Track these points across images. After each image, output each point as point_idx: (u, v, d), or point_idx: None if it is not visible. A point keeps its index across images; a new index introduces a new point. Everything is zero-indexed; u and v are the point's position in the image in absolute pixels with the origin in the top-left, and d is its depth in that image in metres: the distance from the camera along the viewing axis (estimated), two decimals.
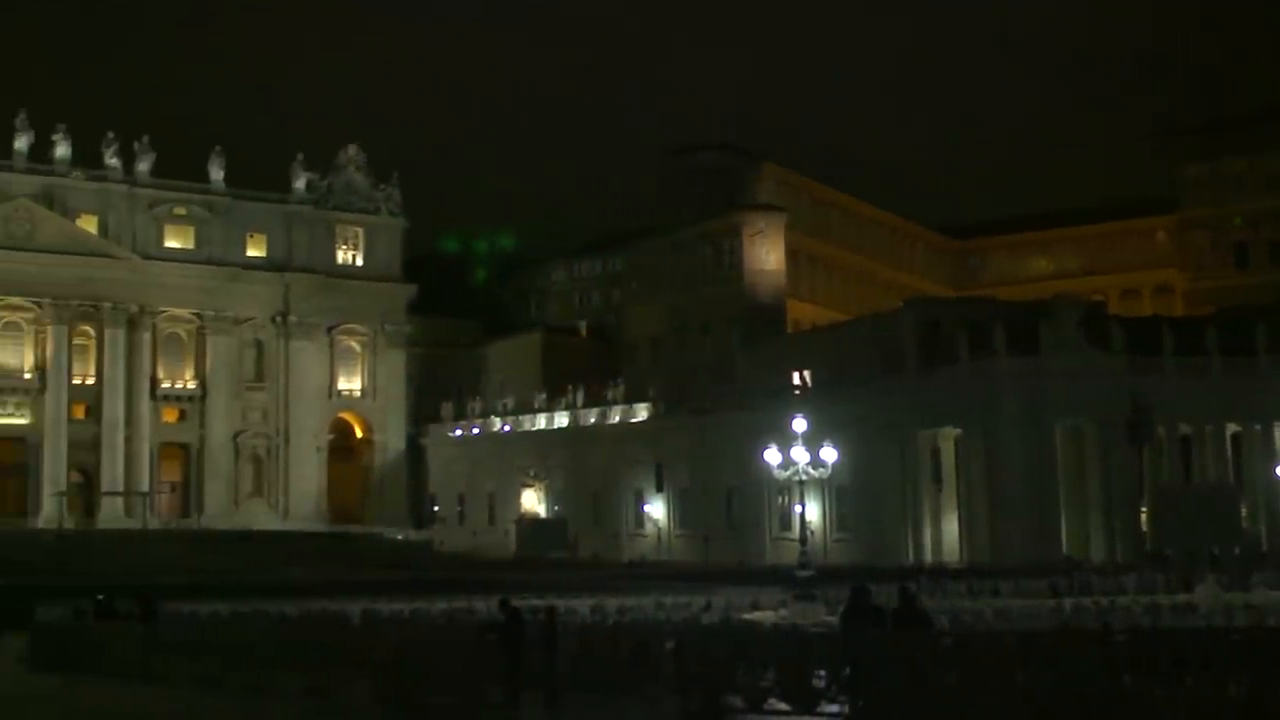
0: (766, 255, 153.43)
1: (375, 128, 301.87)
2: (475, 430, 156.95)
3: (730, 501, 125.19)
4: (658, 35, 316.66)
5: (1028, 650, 28.63)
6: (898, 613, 31.77)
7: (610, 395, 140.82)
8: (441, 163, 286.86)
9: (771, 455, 66.32)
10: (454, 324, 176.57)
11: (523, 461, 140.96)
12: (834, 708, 30.09)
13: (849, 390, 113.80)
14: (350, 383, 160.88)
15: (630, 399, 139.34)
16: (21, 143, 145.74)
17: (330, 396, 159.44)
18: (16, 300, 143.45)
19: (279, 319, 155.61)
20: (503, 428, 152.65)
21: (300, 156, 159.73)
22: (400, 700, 37.25)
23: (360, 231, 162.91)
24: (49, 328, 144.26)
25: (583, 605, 63.52)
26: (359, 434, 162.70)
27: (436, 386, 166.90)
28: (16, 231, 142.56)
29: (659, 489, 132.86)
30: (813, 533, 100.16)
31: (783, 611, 61.47)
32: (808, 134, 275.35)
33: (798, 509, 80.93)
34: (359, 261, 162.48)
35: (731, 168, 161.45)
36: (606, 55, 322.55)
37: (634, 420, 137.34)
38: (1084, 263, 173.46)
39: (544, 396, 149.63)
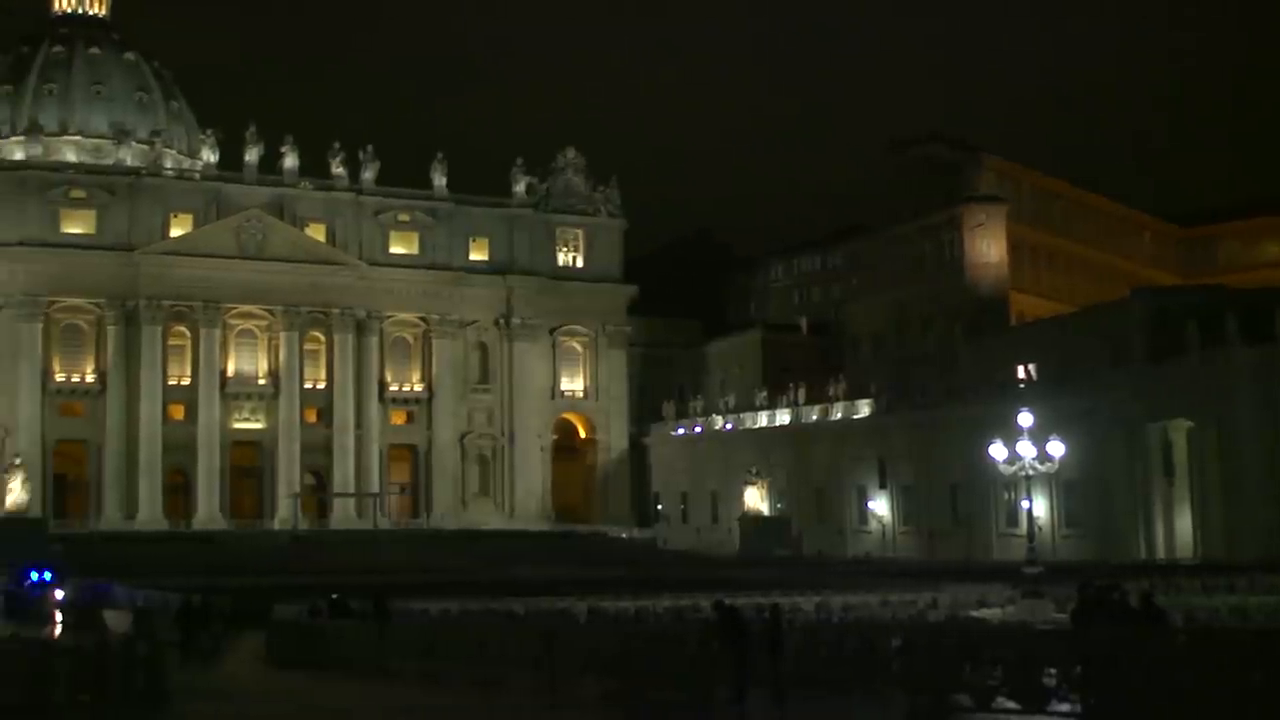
0: (988, 248, 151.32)
1: (593, 130, 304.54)
2: (697, 429, 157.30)
3: (955, 497, 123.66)
4: (872, 29, 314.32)
5: (1265, 649, 27.76)
6: (1131, 610, 31.14)
7: (832, 392, 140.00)
8: (659, 162, 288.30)
9: (997, 450, 65.36)
10: (674, 323, 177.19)
11: (745, 459, 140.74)
12: (1065, 706, 29.53)
13: (1075, 383, 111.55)
14: (573, 383, 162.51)
15: (852, 395, 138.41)
16: (252, 155, 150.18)
17: (553, 397, 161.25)
18: (250, 308, 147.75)
19: (502, 321, 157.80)
20: (725, 426, 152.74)
21: (520, 160, 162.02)
22: (628, 696, 37.45)
23: (580, 233, 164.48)
24: (281, 334, 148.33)
25: (807, 603, 63.41)
26: (582, 434, 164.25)
27: (657, 386, 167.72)
28: (249, 242, 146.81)
29: (882, 485, 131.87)
30: (1040, 528, 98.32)
31: (1010, 608, 60.68)
32: (1027, 122, 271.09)
33: (1024, 504, 79.67)
34: (579, 263, 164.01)
35: (950, 160, 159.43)
36: (821, 51, 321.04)
37: (856, 417, 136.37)
38: None
39: (765, 394, 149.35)
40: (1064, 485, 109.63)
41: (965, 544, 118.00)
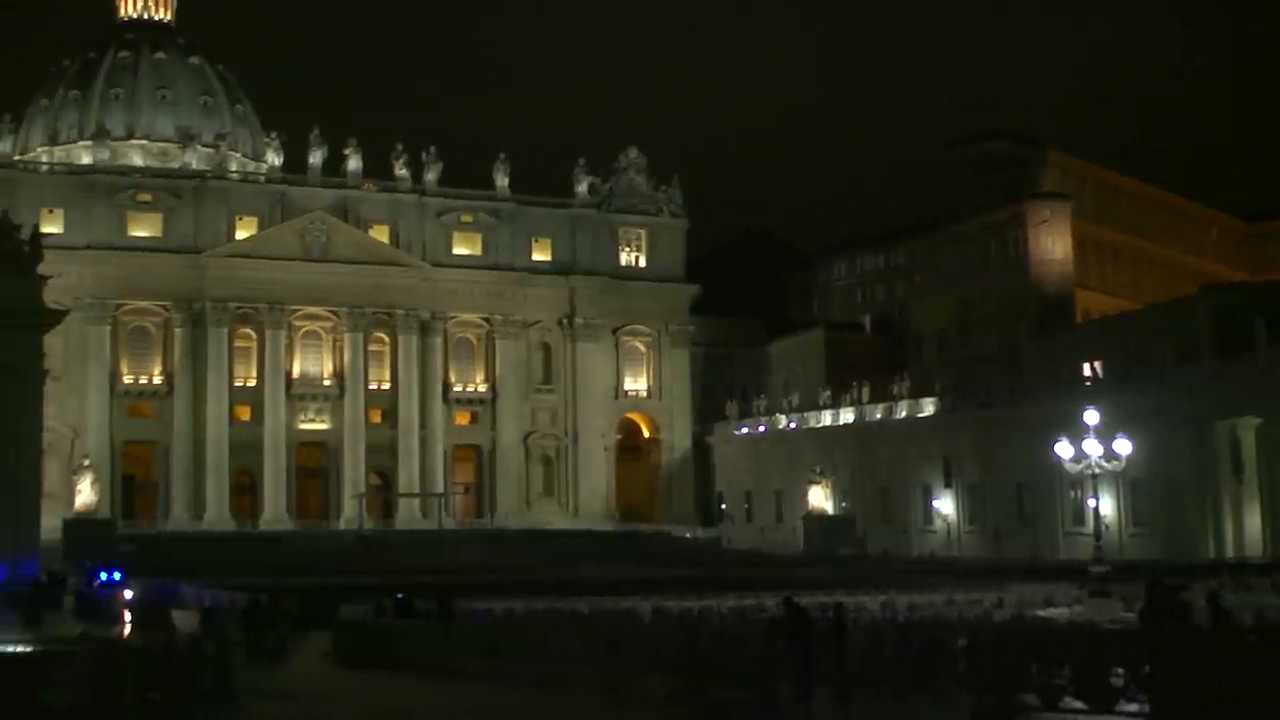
0: (1053, 244, 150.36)
1: (655, 129, 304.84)
2: (761, 428, 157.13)
3: (1021, 496, 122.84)
4: (934, 26, 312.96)
5: None
6: (1197, 610, 30.90)
7: (896, 390, 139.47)
8: (720, 161, 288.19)
9: (1063, 448, 64.94)
10: (736, 323, 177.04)
11: (809, 458, 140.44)
12: (1132, 706, 29.37)
13: (1142, 381, 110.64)
14: (636, 383, 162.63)
15: (916, 394, 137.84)
16: (315, 157, 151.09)
17: (617, 397, 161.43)
18: (315, 310, 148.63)
19: (565, 322, 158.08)
20: (788, 425, 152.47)
21: (582, 161, 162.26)
22: (692, 696, 37.45)
23: (642, 233, 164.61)
24: (346, 335, 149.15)
25: (872, 602, 63.18)
26: (646, 433, 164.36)
27: (720, 385, 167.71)
28: (313, 244, 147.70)
29: (947, 484, 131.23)
30: (1107, 527, 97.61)
31: (1077, 608, 60.27)
32: (1090, 118, 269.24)
33: (1091, 503, 79.14)
34: (642, 263, 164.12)
35: (1014, 156, 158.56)
36: (883, 48, 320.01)
37: (920, 415, 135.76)
38: None
39: (829, 393, 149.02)
40: (1131, 484, 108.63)
41: (1031, 543, 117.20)
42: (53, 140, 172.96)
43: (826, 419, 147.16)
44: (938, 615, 57.87)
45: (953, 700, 32.96)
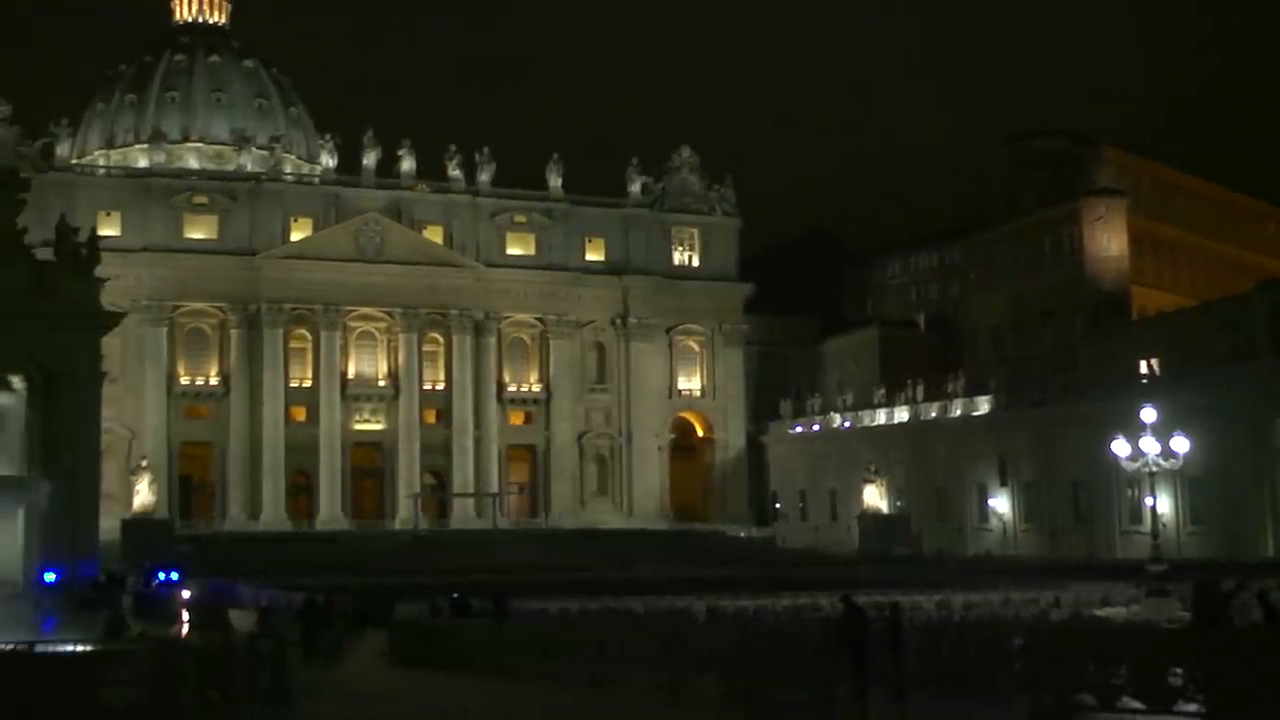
0: (1108, 241, 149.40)
1: (707, 128, 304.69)
2: (815, 427, 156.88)
3: (1077, 494, 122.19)
4: (986, 24, 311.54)
5: None
6: (1250, 608, 30.64)
7: (950, 389, 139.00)
8: (773, 160, 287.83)
9: (1119, 446, 64.46)
10: (790, 321, 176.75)
11: (864, 457, 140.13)
12: (1191, 706, 29.16)
13: (1199, 378, 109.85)
14: (690, 382, 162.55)
15: (971, 392, 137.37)
16: (369, 159, 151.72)
17: (670, 396, 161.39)
18: (370, 311, 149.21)
19: (619, 321, 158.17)
20: (843, 424, 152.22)
21: (635, 161, 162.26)
22: (747, 695, 37.42)
23: (695, 232, 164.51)
24: (400, 336, 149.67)
25: (928, 601, 62.94)
26: (699, 433, 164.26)
27: (773, 384, 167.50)
28: (367, 245, 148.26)
29: (1003, 482, 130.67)
30: (1164, 526, 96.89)
31: (1135, 607, 59.84)
32: (1145, 114, 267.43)
33: (1148, 501, 78.65)
34: (695, 262, 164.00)
35: (1069, 153, 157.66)
36: (934, 46, 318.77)
37: (976, 414, 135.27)
38: None
39: (883, 391, 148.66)
40: (1189, 482, 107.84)
41: (1088, 542, 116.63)
42: (110, 144, 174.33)
43: (881, 418, 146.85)
44: (994, 615, 57.65)
45: (1009, 700, 32.82)
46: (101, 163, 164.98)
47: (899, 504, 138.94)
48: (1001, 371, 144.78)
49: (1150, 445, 62.44)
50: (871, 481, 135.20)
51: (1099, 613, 58.59)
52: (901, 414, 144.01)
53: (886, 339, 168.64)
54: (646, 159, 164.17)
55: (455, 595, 60.26)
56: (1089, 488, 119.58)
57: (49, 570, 70.11)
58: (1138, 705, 30.19)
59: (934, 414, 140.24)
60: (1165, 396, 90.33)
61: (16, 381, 75.30)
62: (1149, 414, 63.34)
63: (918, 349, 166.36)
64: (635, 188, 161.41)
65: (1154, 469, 63.32)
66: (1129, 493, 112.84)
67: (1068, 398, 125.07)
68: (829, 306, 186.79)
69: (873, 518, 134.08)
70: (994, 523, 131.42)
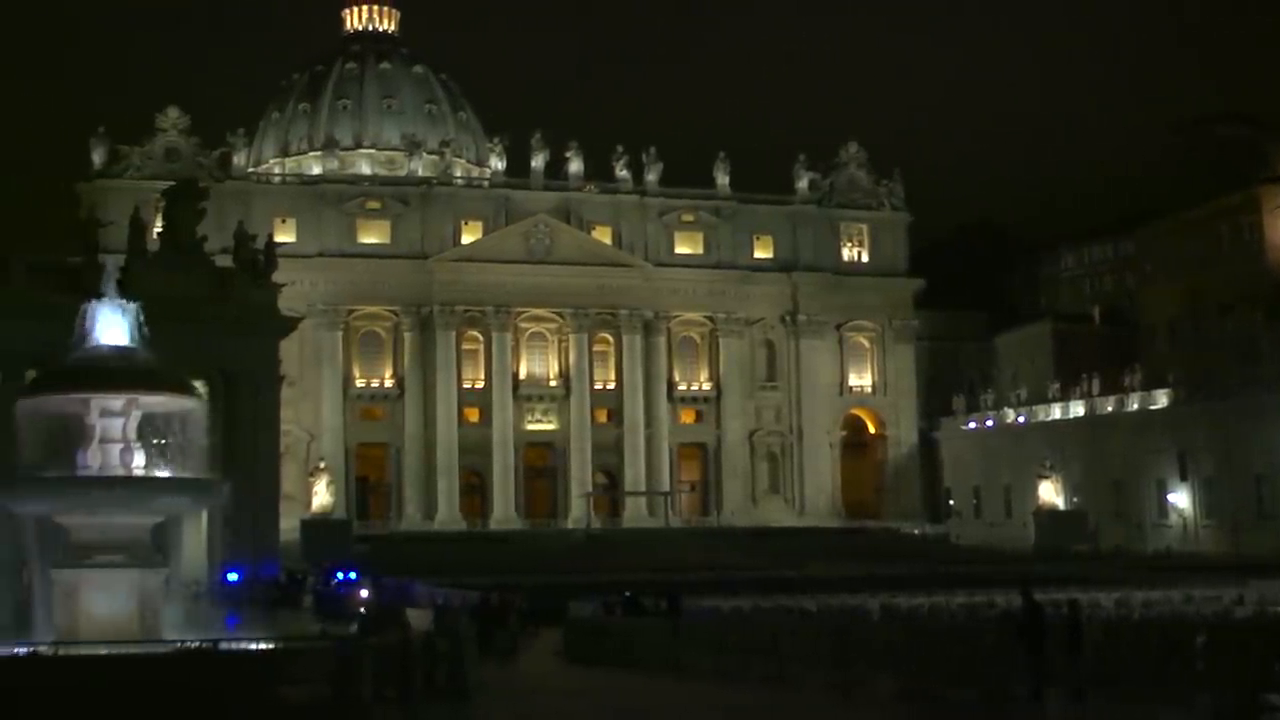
0: None
1: (874, 123, 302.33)
2: (989, 423, 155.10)
3: (1260, 489, 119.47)
4: (1153, 11, 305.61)
5: None
6: None
7: (1127, 382, 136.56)
8: (940, 153, 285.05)
9: None
10: (961, 316, 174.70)
11: (1038, 453, 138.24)
12: None
13: None
14: (860, 379, 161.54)
15: (1148, 385, 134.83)
16: (537, 161, 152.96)
17: (841, 393, 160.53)
18: (540, 312, 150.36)
19: (788, 319, 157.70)
20: (1017, 419, 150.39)
21: (802, 157, 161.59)
22: (922, 694, 37.12)
23: (864, 228, 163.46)
24: (570, 336, 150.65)
25: (1107, 599, 61.98)
26: (871, 429, 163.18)
27: (944, 379, 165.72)
28: (537, 247, 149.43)
29: (1182, 478, 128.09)
30: None
31: None
32: None
33: None
34: (864, 258, 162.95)
35: (1245, 139, 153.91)
36: (1101, 34, 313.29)
37: (1153, 408, 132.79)
38: None
39: (1057, 386, 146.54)
40: None
41: (1272, 537, 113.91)
42: (284, 152, 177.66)
43: (1056, 413, 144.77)
44: (1175, 612, 56.51)
45: (1191, 700, 32.16)
46: (276, 171, 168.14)
47: (1075, 500, 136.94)
48: (1179, 364, 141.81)
49: None
50: (1047, 477, 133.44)
51: None
52: (1077, 408, 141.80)
53: (1060, 332, 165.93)
54: (813, 155, 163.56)
55: (627, 594, 60.59)
56: (1273, 482, 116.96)
57: (232, 570, 71.45)
58: None
59: (1110, 408, 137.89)
60: None
61: (199, 386, 76.94)
62: None
63: (1092, 342, 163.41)
64: (803, 184, 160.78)
65: None
66: None
67: (1249, 390, 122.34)
68: (998, 300, 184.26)
69: (1048, 514, 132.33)
70: (1173, 518, 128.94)
